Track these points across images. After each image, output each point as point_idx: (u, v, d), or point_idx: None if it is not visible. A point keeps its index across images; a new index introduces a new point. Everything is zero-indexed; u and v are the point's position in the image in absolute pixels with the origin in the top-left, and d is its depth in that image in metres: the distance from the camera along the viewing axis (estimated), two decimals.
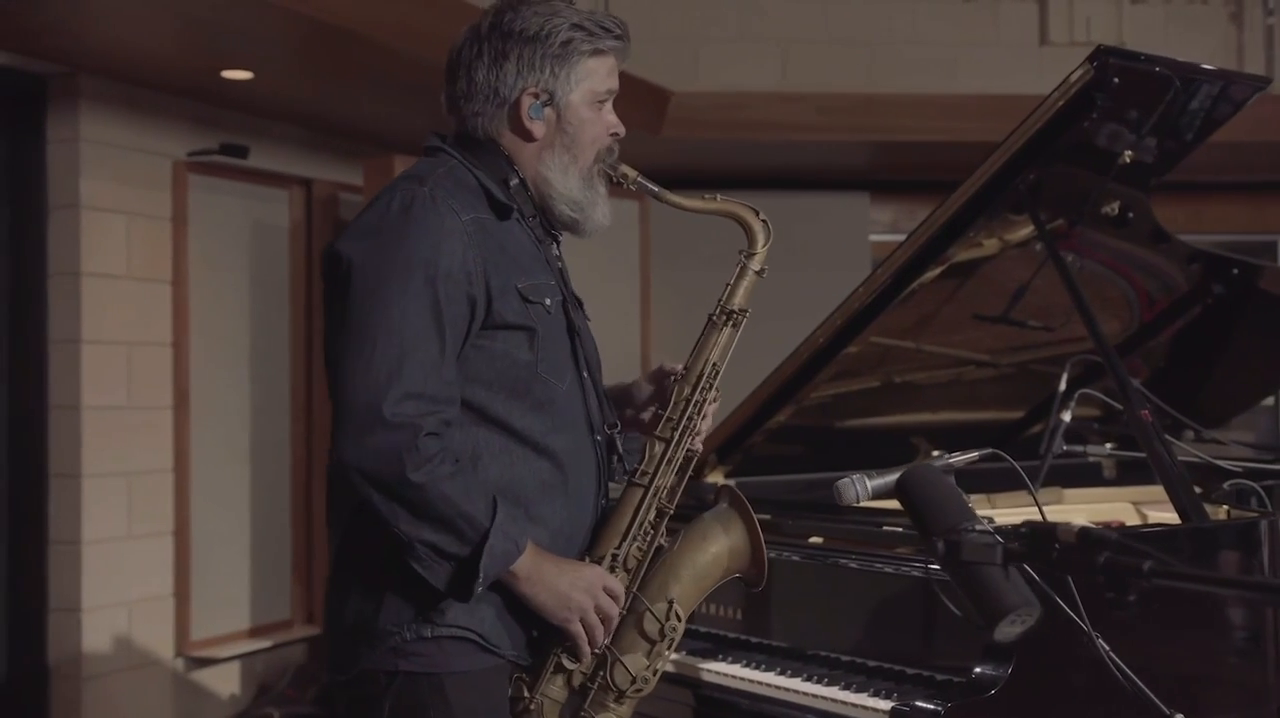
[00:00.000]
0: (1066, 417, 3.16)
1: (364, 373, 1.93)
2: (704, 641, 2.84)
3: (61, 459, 4.45)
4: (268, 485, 5.20)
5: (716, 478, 3.71)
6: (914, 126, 5.93)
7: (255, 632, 5.09)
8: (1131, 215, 3.26)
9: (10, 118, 4.46)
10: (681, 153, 6.07)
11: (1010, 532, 1.36)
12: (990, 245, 3.34)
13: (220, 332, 4.97)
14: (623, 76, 2.23)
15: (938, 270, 3.16)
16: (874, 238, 6.74)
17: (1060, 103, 2.77)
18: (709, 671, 2.68)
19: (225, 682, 4.95)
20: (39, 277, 4.46)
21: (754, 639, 2.76)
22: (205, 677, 4.87)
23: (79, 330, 4.43)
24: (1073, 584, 2.00)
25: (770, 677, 2.57)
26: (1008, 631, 1.33)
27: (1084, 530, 1.25)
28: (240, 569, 5.07)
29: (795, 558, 2.77)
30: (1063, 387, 3.47)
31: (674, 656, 2.75)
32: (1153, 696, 1.98)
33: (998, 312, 3.59)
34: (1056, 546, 1.28)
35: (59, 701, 4.45)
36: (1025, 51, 6.46)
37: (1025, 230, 3.25)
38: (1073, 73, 2.75)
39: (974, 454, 2.05)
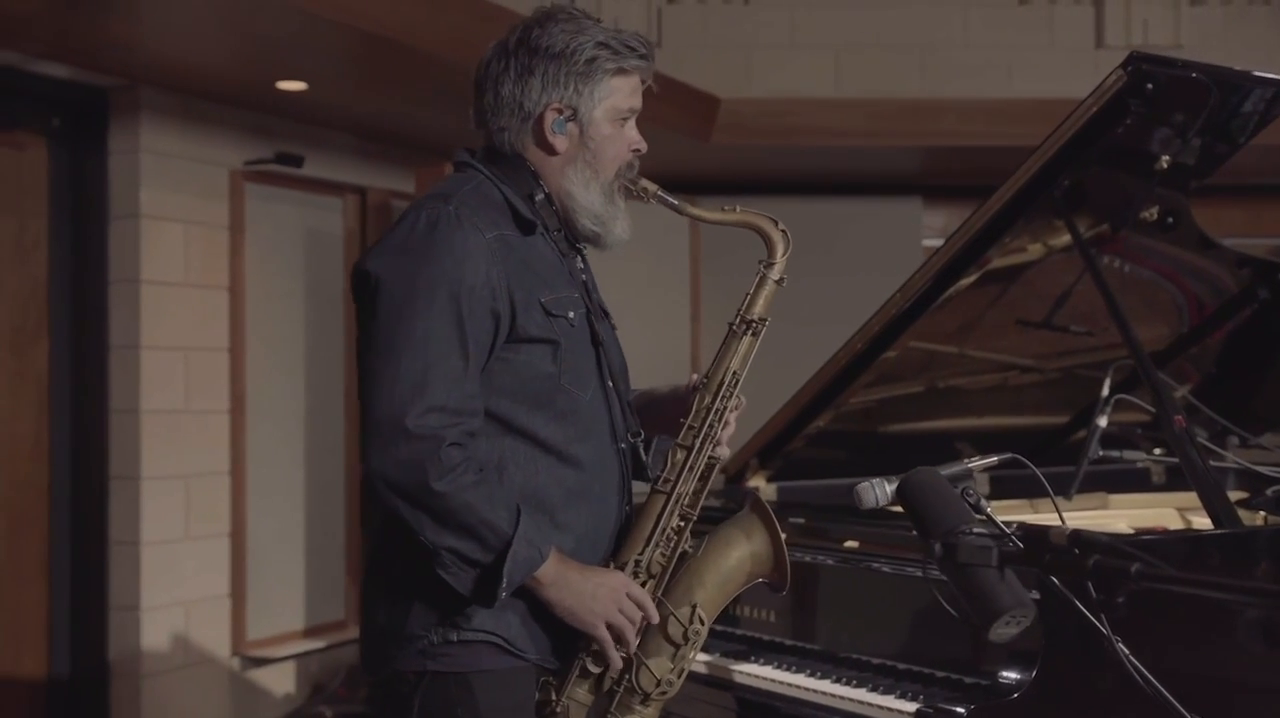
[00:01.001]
0: (1103, 422, 3.16)
1: (390, 387, 1.99)
2: (740, 643, 2.88)
3: (121, 462, 4.56)
4: (322, 488, 5.29)
5: (758, 482, 3.74)
6: (967, 131, 5.91)
7: (310, 632, 5.17)
8: (1171, 220, 3.24)
9: (74, 130, 4.57)
10: (731, 159, 6.11)
11: (1006, 535, 1.39)
12: (1035, 250, 3.34)
13: (276, 336, 5.07)
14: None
15: (974, 277, 3.16)
16: (927, 242, 6.72)
17: (1094, 108, 2.77)
18: (742, 672, 2.71)
19: (280, 681, 5.04)
20: (100, 284, 4.57)
21: (789, 642, 2.79)
22: (261, 676, 4.96)
23: (138, 336, 4.54)
24: (1092, 589, 2.02)
25: (800, 678, 2.60)
26: (1003, 632, 1.36)
27: (1075, 534, 1.27)
28: (295, 571, 5.16)
29: (830, 562, 2.79)
30: (1105, 392, 3.47)
31: (709, 657, 2.80)
32: (1172, 699, 1.99)
33: (1042, 317, 3.59)
34: (1049, 548, 1.30)
35: (119, 698, 4.55)
36: (1081, 55, 6.41)
37: (1069, 235, 3.25)
38: (1106, 78, 2.75)
39: (993, 459, 2.06)
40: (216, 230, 4.82)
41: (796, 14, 6.31)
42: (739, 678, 2.70)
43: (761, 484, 3.73)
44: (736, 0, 6.26)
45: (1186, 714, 1.96)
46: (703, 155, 5.92)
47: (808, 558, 2.80)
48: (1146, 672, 1.96)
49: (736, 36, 6.23)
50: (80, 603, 4.58)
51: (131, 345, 4.55)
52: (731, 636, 2.90)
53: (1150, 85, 2.74)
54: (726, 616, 2.89)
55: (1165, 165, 3.01)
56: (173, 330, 4.65)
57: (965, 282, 3.16)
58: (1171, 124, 2.94)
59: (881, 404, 3.82)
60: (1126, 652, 1.99)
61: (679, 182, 6.55)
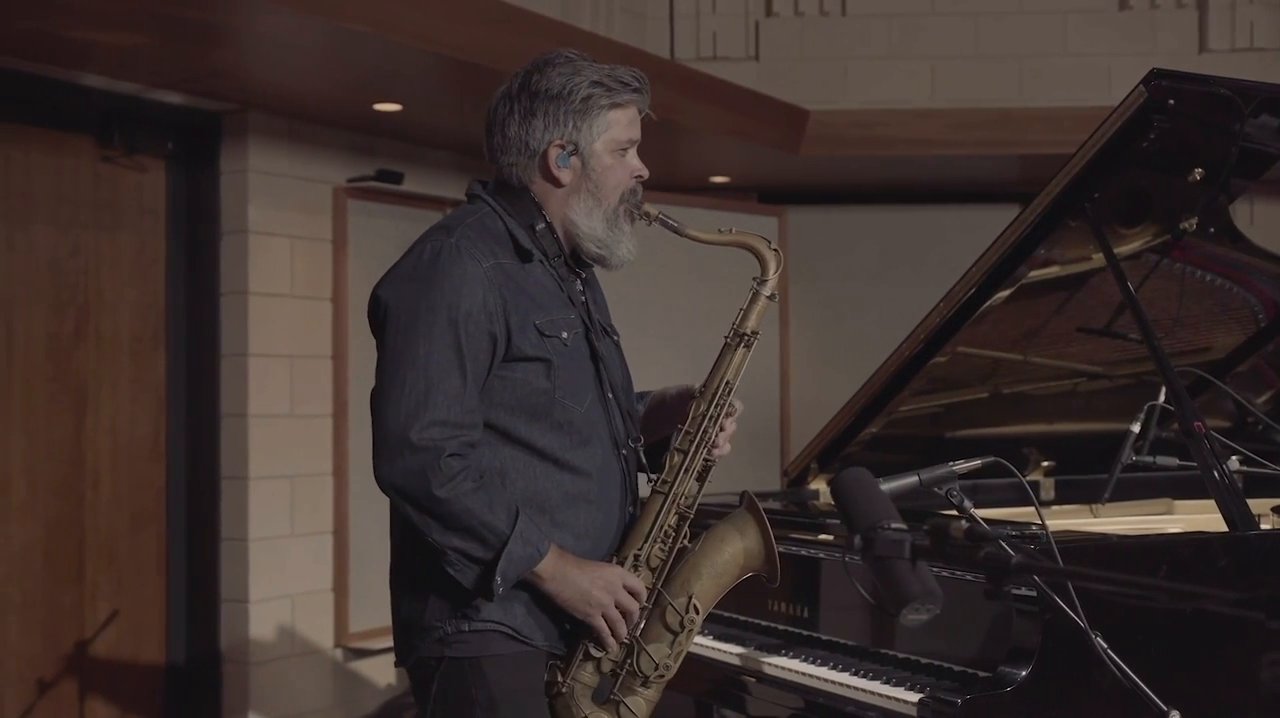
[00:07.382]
0: (1136, 428, 3.22)
1: (395, 404, 2.19)
2: (777, 637, 3.01)
3: (231, 463, 4.82)
4: None
5: (819, 485, 3.87)
6: (1062, 139, 5.91)
7: None
8: (1212, 230, 3.29)
9: (188, 151, 4.86)
10: (823, 170, 6.21)
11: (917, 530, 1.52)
12: (1099, 259, 3.40)
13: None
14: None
15: (1010, 290, 3.23)
16: None
17: (1117, 124, 2.85)
18: (770, 664, 2.85)
19: (381, 672, 5.27)
20: (212, 296, 4.85)
21: (823, 637, 2.92)
22: (362, 667, 5.20)
23: (247, 345, 4.80)
24: (1072, 589, 2.13)
25: (824, 671, 2.73)
26: (912, 617, 1.49)
27: (970, 530, 1.40)
28: None
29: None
30: (1161, 398, 3.51)
31: (742, 649, 2.94)
32: (1149, 691, 2.09)
33: (1104, 324, 3.65)
34: (950, 542, 1.43)
35: (230, 683, 4.82)
36: (1184, 60, 6.33)
37: (1134, 244, 3.31)
38: (1129, 95, 2.83)
39: (976, 463, 2.18)
40: (320, 244, 5.06)
41: (893, 26, 6.37)
42: (768, 669, 2.84)
43: (822, 487, 3.85)
44: (834, 13, 6.34)
45: (1162, 706, 2.06)
46: (792, 166, 6.04)
47: (848, 558, 2.91)
48: (1123, 664, 2.07)
49: (833, 49, 6.31)
50: (194, 595, 4.87)
51: (241, 354, 4.82)
52: (774, 630, 3.03)
53: (1173, 101, 2.81)
54: (764, 610, 3.04)
55: (1199, 177, 3.06)
56: (279, 339, 4.90)
57: (1000, 296, 3.24)
58: (1201, 136, 3.00)
59: (949, 410, 3.90)
60: (1104, 646, 2.10)
61: (769, 192, 6.69)
